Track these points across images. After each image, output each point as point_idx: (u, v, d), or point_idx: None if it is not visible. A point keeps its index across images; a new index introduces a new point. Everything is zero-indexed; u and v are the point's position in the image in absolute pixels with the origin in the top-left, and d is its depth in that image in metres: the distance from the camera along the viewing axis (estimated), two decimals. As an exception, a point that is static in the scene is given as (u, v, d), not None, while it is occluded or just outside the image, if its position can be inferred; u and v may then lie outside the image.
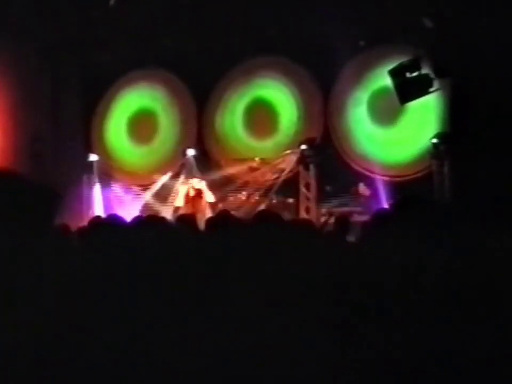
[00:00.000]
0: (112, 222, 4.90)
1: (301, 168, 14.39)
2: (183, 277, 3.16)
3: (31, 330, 3.06)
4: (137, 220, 4.92)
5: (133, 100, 15.91)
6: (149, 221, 4.61)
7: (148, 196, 15.08)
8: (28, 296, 3.24)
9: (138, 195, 15.29)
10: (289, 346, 2.91)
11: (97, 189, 15.38)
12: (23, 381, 3.03)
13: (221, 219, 4.94)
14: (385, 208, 8.29)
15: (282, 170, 14.46)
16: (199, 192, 13.77)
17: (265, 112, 15.25)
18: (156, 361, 3.02)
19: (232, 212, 9.96)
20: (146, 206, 14.82)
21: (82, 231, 5.03)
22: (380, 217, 4.28)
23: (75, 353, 3.03)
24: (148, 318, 3.05)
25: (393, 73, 11.94)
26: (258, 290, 3.01)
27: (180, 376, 2.99)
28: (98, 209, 15.13)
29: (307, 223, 5.31)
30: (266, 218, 4.23)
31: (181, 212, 13.08)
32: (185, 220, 5.52)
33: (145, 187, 15.29)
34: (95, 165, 15.36)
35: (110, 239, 4.03)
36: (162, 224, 4.53)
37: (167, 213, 13.71)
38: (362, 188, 13.86)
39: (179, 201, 14.12)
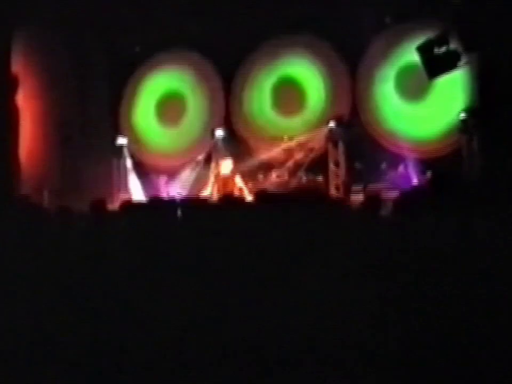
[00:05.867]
0: (145, 204, 4.94)
1: (329, 145, 14.38)
2: (228, 254, 3.20)
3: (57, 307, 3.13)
4: (173, 201, 4.96)
5: (160, 82, 15.96)
6: (186, 202, 4.65)
7: (180, 177, 15.16)
8: (54, 272, 3.30)
9: (168, 177, 15.37)
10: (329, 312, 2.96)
11: (127, 172, 15.48)
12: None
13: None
14: (416, 185, 8.30)
15: (311, 148, 14.46)
16: (232, 173, 13.68)
17: (293, 90, 15.23)
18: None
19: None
20: (178, 188, 14.91)
21: (114, 213, 5.08)
22: (412, 194, 4.30)
23: (117, 331, 3.09)
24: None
25: (421, 49, 11.83)
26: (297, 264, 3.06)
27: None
28: (129, 192, 15.24)
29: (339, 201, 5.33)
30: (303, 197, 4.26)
31: (213, 192, 13.12)
32: (230, 199, 5.55)
33: (174, 169, 15.37)
34: (124, 148, 15.48)
35: (145, 221, 4.08)
36: (203, 204, 4.57)
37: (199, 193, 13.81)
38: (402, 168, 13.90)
39: (210, 182, 14.18)
